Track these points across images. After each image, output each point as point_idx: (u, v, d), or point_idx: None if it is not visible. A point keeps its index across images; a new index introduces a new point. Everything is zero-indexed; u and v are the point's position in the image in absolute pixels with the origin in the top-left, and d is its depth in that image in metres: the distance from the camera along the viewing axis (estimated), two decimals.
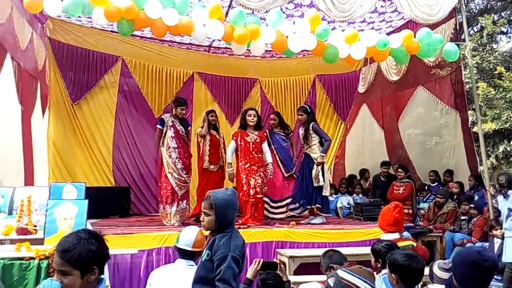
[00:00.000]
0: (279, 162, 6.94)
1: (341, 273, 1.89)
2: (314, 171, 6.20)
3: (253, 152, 6.22)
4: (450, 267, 3.12)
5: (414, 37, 6.19)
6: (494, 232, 5.98)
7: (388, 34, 6.75)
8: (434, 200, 7.51)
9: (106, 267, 4.29)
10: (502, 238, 5.82)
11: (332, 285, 1.86)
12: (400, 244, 3.33)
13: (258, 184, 6.10)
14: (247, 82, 9.06)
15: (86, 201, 4.19)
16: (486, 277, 2.22)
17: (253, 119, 6.30)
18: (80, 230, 1.93)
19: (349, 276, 1.86)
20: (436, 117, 8.32)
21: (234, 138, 6.38)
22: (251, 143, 6.25)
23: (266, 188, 6.35)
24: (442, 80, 7.94)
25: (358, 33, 5.91)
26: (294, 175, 6.95)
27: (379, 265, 3.05)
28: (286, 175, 6.94)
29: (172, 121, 6.15)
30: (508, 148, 11.31)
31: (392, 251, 2.62)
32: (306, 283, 4.30)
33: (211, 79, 8.78)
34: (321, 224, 6.10)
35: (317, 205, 6.22)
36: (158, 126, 6.17)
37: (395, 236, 3.52)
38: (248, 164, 6.16)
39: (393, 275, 2.45)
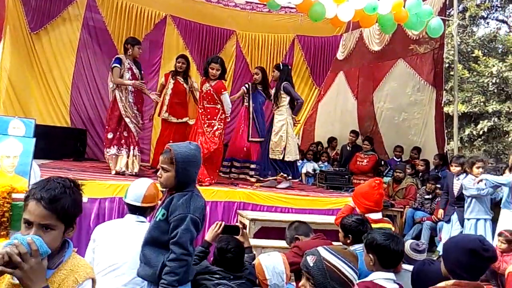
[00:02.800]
0: (250, 121, 6.51)
1: (323, 252, 1.63)
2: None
3: (204, 102, 5.75)
4: (423, 248, 2.98)
5: (404, 6, 5.95)
6: (476, 170, 5.54)
7: None
8: (393, 176, 7.49)
9: None
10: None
11: (311, 264, 1.61)
12: (378, 225, 3.15)
13: (208, 136, 5.64)
14: (223, 33, 8.55)
15: (34, 140, 3.77)
16: (483, 267, 2.06)
17: (214, 74, 5.68)
18: (56, 177, 1.59)
19: (332, 257, 1.61)
20: (410, 93, 8.21)
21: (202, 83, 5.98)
22: (204, 91, 5.77)
23: (215, 142, 5.74)
24: (424, 56, 7.78)
25: None
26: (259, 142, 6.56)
27: (348, 241, 2.87)
28: (250, 138, 6.48)
29: (129, 63, 5.69)
30: (474, 132, 11.50)
31: (370, 231, 2.42)
32: (265, 248, 4.16)
33: (185, 24, 8.23)
34: (286, 188, 5.91)
35: (281, 174, 6.02)
36: (116, 64, 5.57)
37: (378, 216, 3.33)
38: (201, 111, 5.78)
39: (370, 255, 2.26)
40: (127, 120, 5.59)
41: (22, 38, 6.98)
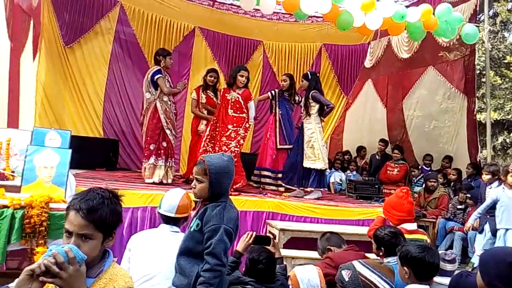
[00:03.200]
0: (277, 129, 6.50)
1: (358, 266, 1.62)
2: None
3: (230, 111, 5.73)
4: (453, 258, 2.92)
5: (433, 13, 5.89)
6: (510, 178, 5.22)
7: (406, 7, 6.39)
8: (423, 186, 7.33)
9: None
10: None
11: (347, 279, 1.60)
12: (413, 236, 3.10)
13: (222, 148, 5.57)
14: (250, 43, 8.65)
15: (70, 151, 3.88)
16: None
17: (243, 81, 5.77)
18: (96, 188, 1.64)
19: (367, 272, 1.60)
20: (441, 101, 8.06)
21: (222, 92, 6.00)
22: (229, 101, 5.76)
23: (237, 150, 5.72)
24: (454, 63, 7.64)
25: (375, 2, 5.57)
26: (288, 151, 6.48)
27: (381, 253, 2.83)
28: (278, 146, 6.48)
29: (166, 74, 5.86)
30: (508, 140, 11.20)
31: (404, 243, 2.38)
32: (295, 258, 4.15)
33: (212, 36, 8.36)
34: (315, 199, 5.87)
35: (309, 188, 6.04)
36: (160, 75, 5.69)
37: (413, 226, 3.27)
38: (215, 124, 5.74)
39: (405, 268, 2.22)
40: (167, 131, 5.71)
41: (56, 52, 7.23)
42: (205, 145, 5.68)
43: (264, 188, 6.32)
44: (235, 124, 5.68)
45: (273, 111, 6.64)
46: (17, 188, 3.62)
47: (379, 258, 2.79)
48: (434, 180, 7.08)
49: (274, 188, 6.35)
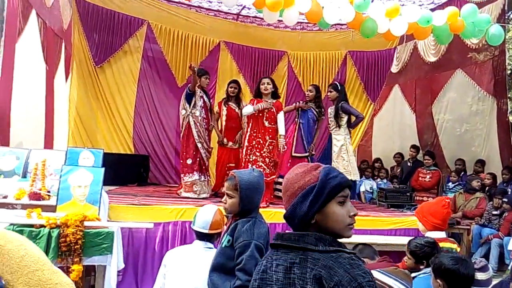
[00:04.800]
0: (296, 137, 6.42)
1: (375, 273, 1.65)
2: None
3: (266, 122, 5.81)
4: (482, 266, 2.82)
5: (460, 15, 5.77)
6: None
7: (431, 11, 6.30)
8: (465, 188, 7.19)
9: (119, 238, 4.14)
10: None
11: None
12: (443, 244, 3.03)
13: (265, 159, 5.66)
14: (275, 54, 8.68)
15: (103, 169, 3.99)
16: None
17: (266, 88, 5.83)
18: None
19: (384, 277, 1.64)
20: (471, 103, 7.87)
21: (251, 103, 6.03)
22: (264, 112, 5.82)
23: (274, 162, 5.85)
24: (483, 65, 7.46)
25: (400, 7, 5.51)
26: (307, 158, 6.38)
27: (422, 266, 2.74)
28: (293, 153, 6.40)
29: (200, 92, 6.00)
30: None
31: (438, 254, 2.34)
32: None
33: (237, 49, 8.44)
34: None
35: None
36: (189, 92, 5.92)
37: (442, 235, 3.21)
38: (255, 135, 5.78)
39: (438, 280, 2.18)
40: (199, 145, 5.88)
41: (87, 72, 7.45)
42: (247, 157, 5.73)
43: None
44: (270, 136, 5.78)
45: (295, 120, 6.63)
46: (52, 208, 3.73)
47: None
48: (479, 180, 6.95)
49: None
